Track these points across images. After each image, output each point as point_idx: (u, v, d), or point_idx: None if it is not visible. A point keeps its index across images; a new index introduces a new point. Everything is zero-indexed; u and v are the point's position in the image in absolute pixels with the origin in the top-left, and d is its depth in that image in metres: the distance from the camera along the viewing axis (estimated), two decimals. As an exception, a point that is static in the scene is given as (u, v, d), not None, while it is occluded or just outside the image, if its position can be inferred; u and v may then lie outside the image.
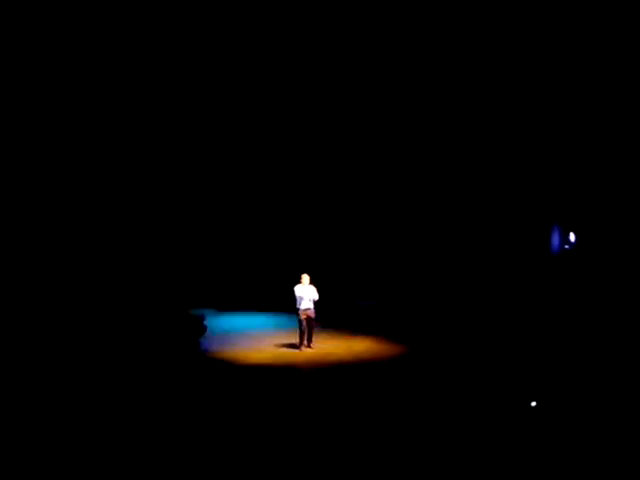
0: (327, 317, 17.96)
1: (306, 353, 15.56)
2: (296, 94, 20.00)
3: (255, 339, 17.17)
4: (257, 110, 20.32)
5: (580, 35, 17.05)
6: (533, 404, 10.55)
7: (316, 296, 15.85)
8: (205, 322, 16.96)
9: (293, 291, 15.84)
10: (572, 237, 18.91)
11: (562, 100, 18.02)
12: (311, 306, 15.82)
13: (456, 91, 19.07)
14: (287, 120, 20.62)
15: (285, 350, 15.91)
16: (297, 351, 15.71)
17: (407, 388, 12.34)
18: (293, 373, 13.85)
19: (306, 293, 15.73)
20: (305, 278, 15.83)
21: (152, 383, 12.58)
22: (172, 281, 19.42)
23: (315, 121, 20.67)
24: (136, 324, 15.15)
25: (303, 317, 15.77)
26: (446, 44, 18.49)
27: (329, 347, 16.22)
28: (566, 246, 19.00)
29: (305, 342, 15.85)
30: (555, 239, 19.04)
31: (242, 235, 22.29)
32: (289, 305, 16.19)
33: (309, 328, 15.87)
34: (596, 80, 17.24)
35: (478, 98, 18.97)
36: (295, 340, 16.07)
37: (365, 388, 12.43)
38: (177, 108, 19.71)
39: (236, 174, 21.47)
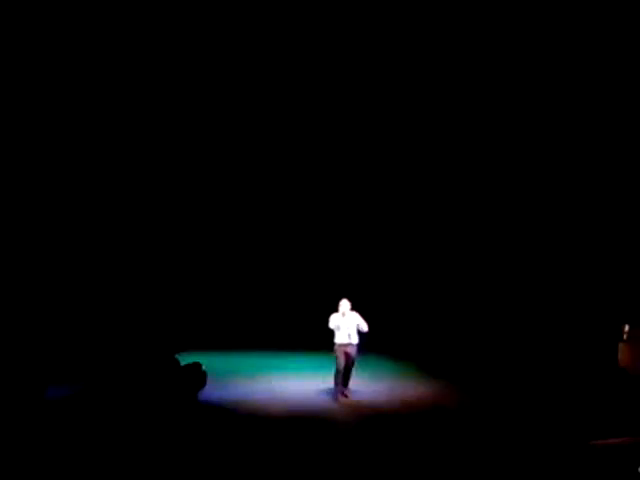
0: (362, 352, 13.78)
1: (343, 402, 12.00)
2: (312, 114, 18.79)
3: (275, 385, 13.52)
4: (268, 132, 18.85)
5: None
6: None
7: (363, 327, 12.24)
8: (203, 368, 12.93)
9: (328, 321, 12.30)
10: None
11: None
12: (353, 341, 12.21)
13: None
14: (299, 140, 18.85)
15: (316, 398, 12.28)
16: (331, 400, 12.11)
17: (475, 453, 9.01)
18: (328, 429, 10.30)
19: (345, 323, 12.17)
20: (344, 304, 12.25)
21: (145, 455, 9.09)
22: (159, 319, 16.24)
23: (330, 141, 18.88)
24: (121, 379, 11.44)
25: (340, 355, 12.16)
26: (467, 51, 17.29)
27: (367, 392, 12.73)
28: None
29: (341, 387, 12.26)
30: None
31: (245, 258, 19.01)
32: (305, 339, 12.58)
33: (346, 369, 12.28)
34: None
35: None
36: (326, 384, 12.46)
37: (421, 451, 9.18)
38: (179, 129, 18.24)
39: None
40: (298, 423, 10.55)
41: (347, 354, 12.14)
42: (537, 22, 16.07)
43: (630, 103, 15.96)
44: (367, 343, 12.99)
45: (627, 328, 13.14)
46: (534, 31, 16.21)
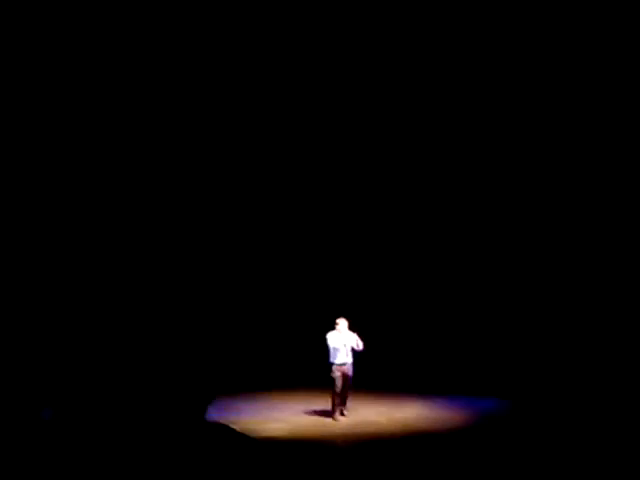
0: (360, 371, 13.16)
1: (341, 423, 11.86)
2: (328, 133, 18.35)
3: (270, 404, 13.38)
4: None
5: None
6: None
7: (359, 345, 12.12)
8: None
9: (325, 340, 12.16)
10: None
11: None
12: (349, 360, 12.09)
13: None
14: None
15: (312, 419, 12.18)
16: (329, 420, 11.98)
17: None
18: (325, 451, 10.18)
19: (343, 342, 12.03)
20: (342, 323, 12.12)
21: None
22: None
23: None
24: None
25: (338, 374, 12.02)
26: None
27: (365, 413, 12.54)
28: None
29: (340, 407, 12.13)
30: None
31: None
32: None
33: (344, 389, 12.15)
34: None
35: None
36: (325, 405, 12.34)
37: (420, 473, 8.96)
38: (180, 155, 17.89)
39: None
40: (294, 443, 10.45)
41: (345, 374, 12.02)
42: (537, 22, 16.04)
43: (630, 103, 15.87)
44: (366, 361, 12.91)
45: None
46: (534, 31, 16.17)
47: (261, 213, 18.64)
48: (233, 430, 10.81)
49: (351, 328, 12.20)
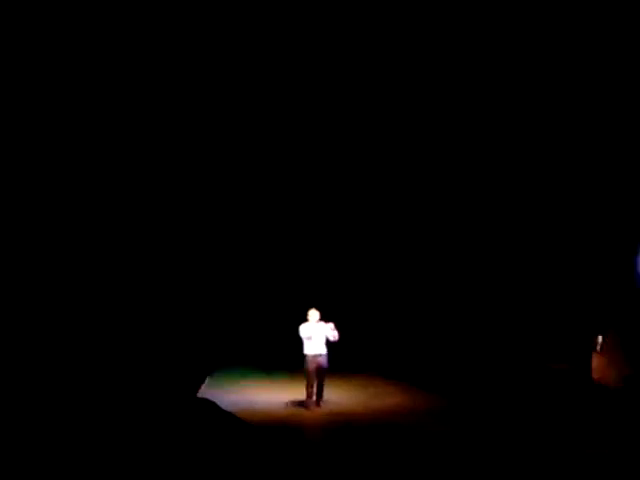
0: (337, 359, 13.28)
1: (315, 413, 11.96)
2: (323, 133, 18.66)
3: (245, 393, 13.37)
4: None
5: None
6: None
7: (333, 335, 12.18)
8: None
9: (298, 331, 12.28)
10: None
11: None
12: (323, 351, 12.19)
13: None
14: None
15: (286, 409, 12.28)
16: (303, 410, 12.09)
17: (444, 461, 8.97)
18: (295, 440, 10.30)
19: (315, 333, 12.15)
20: (313, 314, 12.24)
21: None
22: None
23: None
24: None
25: (312, 366, 12.12)
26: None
27: (343, 403, 12.67)
28: None
29: (314, 398, 12.23)
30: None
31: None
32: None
33: (319, 380, 12.25)
34: None
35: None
36: (300, 396, 12.44)
37: (392, 462, 9.07)
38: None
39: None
40: (265, 431, 10.51)
41: (319, 364, 12.12)
42: (537, 22, 16.05)
43: (630, 103, 15.90)
44: (343, 354, 13.03)
45: (600, 339, 13.01)
46: (534, 31, 16.19)
47: (252, 209, 18.81)
48: (218, 406, 10.89)
49: (332, 318, 12.31)
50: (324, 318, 12.25)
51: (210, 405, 10.94)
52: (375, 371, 15.61)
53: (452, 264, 17.79)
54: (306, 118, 18.35)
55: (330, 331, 12.14)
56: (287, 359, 13.67)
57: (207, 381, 13.03)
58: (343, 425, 11.17)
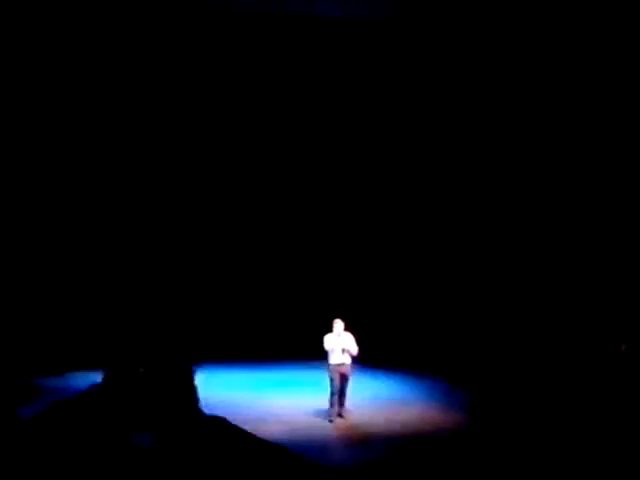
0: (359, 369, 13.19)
1: (338, 425, 11.79)
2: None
3: (266, 403, 13.14)
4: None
5: None
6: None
7: (354, 349, 12.07)
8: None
9: (322, 342, 12.11)
10: None
11: None
12: (347, 361, 12.03)
13: None
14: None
15: (309, 420, 12.08)
16: (326, 421, 11.93)
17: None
18: (320, 454, 10.09)
19: (339, 344, 11.97)
20: (338, 325, 12.07)
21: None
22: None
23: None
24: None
25: (336, 375, 11.95)
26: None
27: (366, 416, 12.38)
28: None
29: (337, 408, 12.07)
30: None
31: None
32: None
33: (342, 389, 12.07)
34: None
35: None
36: (323, 405, 12.27)
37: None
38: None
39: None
40: (288, 444, 10.32)
41: (342, 374, 11.97)
42: (537, 23, 15.99)
43: (630, 103, 15.77)
44: (365, 361, 12.84)
45: (624, 347, 12.81)
46: (534, 31, 16.13)
47: (258, 212, 18.72)
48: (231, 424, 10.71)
49: (355, 326, 12.19)
50: (348, 327, 12.10)
51: (220, 424, 10.62)
52: (399, 374, 15.42)
53: (479, 268, 17.65)
54: (311, 123, 18.35)
55: (351, 345, 11.98)
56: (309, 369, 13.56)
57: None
58: (367, 437, 11.01)
